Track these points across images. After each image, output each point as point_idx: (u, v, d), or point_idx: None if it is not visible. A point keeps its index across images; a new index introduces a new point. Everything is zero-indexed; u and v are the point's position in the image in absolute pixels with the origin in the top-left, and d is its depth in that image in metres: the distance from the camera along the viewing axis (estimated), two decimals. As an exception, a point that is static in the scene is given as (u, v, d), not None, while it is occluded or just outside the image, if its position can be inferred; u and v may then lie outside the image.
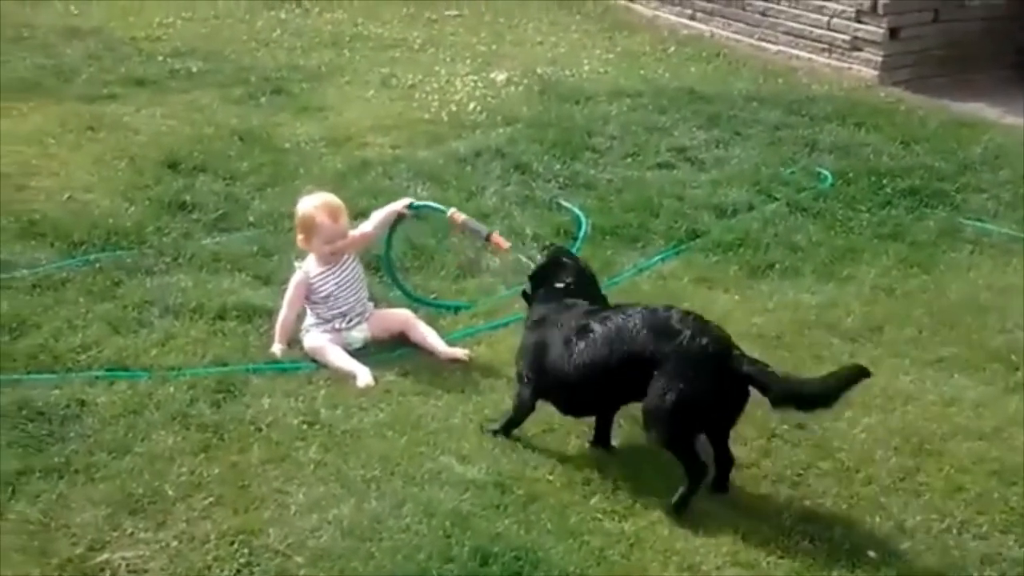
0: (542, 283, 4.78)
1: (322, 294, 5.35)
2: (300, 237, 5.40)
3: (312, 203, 5.38)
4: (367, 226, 5.56)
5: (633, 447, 4.64)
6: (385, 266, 5.70)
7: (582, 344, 4.34)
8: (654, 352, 4.16)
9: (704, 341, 4.14)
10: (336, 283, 5.36)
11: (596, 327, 4.33)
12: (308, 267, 5.38)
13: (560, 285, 4.68)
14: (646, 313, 4.28)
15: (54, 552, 3.91)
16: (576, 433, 4.72)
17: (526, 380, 4.58)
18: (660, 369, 4.14)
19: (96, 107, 8.32)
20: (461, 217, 5.43)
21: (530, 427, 4.72)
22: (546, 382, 4.51)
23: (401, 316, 5.47)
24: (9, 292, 5.56)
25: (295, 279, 5.37)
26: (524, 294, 4.89)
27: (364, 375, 5.05)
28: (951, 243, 6.77)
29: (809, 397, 4.15)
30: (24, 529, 4.01)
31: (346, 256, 5.41)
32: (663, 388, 4.13)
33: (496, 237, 5.36)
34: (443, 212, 5.49)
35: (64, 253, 6.01)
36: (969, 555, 4.14)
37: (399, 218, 5.58)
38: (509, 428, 4.65)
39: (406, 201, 5.60)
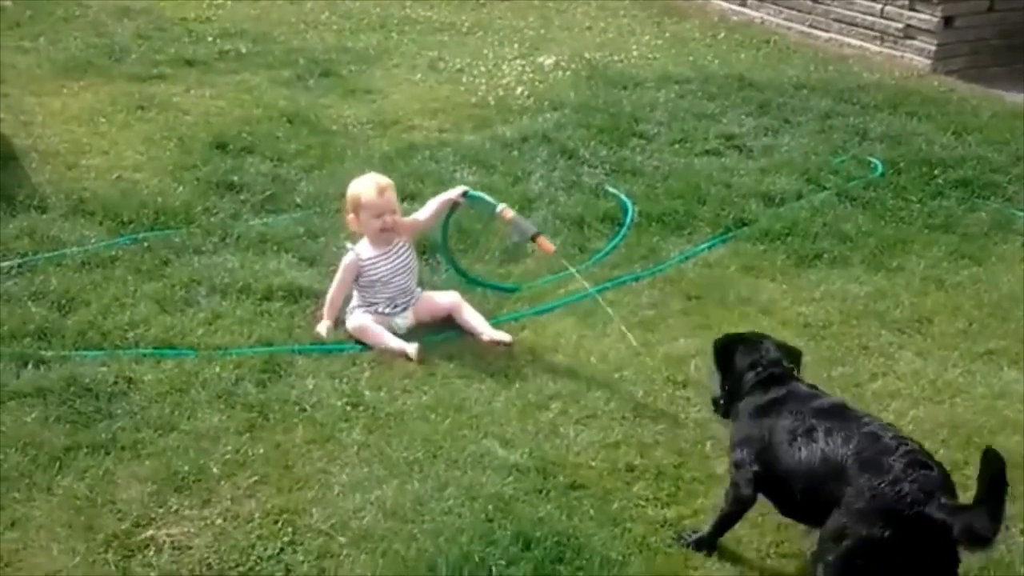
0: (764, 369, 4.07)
1: (372, 278, 5.35)
2: (351, 217, 5.40)
3: (359, 181, 5.40)
4: (422, 213, 5.53)
5: (675, 434, 4.62)
6: (442, 249, 5.68)
7: (803, 446, 3.75)
8: (849, 481, 3.56)
9: (902, 489, 3.43)
10: (388, 269, 5.35)
11: (820, 432, 3.73)
12: (361, 250, 5.38)
13: (778, 371, 4.05)
14: (869, 434, 3.65)
15: (100, 527, 3.96)
16: (619, 420, 4.72)
17: (745, 469, 3.92)
18: (843, 502, 3.55)
19: (146, 87, 8.36)
20: (511, 214, 5.36)
21: (572, 412, 4.72)
22: (768, 475, 3.87)
23: (448, 299, 5.45)
24: (59, 269, 5.62)
25: (346, 260, 5.38)
26: (715, 401, 4.27)
27: (411, 347, 5.08)
28: (1003, 235, 6.68)
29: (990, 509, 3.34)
30: (71, 504, 4.06)
31: (399, 242, 5.40)
32: (837, 529, 3.55)
33: (542, 240, 5.29)
34: (494, 206, 5.41)
35: (113, 231, 6.06)
36: (1016, 550, 4.09)
37: (454, 206, 5.54)
38: (721, 530, 4.02)
39: (461, 189, 5.54)
